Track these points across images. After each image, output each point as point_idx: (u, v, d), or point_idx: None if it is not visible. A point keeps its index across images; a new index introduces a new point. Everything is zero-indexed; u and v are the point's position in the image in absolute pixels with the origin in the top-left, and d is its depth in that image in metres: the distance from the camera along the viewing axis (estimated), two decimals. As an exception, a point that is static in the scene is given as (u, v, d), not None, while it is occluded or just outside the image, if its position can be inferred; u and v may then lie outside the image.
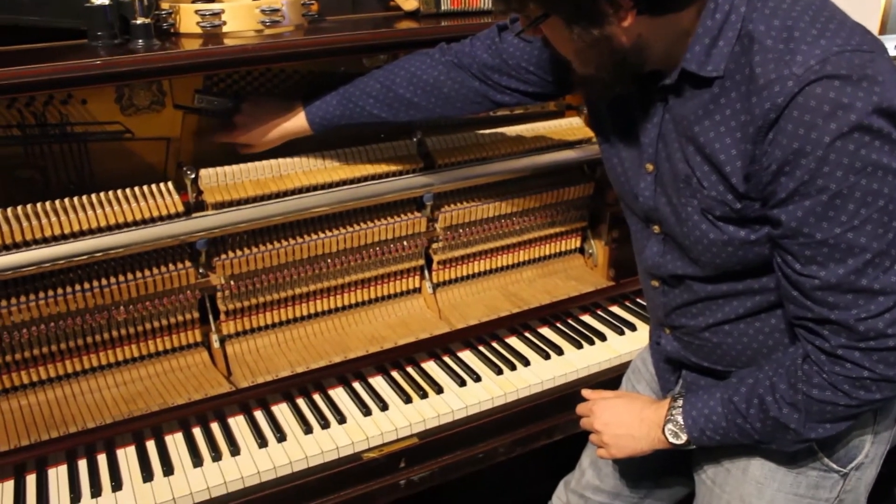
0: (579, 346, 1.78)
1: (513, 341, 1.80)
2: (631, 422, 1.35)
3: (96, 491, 1.37)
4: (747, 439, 1.22)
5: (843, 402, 1.11)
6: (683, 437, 1.27)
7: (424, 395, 1.61)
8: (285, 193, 1.64)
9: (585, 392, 1.47)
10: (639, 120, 1.21)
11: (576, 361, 1.73)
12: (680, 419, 1.27)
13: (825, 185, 0.99)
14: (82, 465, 1.43)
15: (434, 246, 1.87)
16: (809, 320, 1.10)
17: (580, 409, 1.45)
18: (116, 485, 1.38)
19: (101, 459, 1.44)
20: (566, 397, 1.66)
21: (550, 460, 1.85)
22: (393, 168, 1.74)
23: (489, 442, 1.60)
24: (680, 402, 1.28)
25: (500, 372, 1.69)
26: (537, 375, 1.68)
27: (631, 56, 1.08)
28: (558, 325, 1.86)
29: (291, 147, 1.69)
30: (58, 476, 1.41)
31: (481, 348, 1.77)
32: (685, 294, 1.29)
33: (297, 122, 1.62)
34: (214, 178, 1.61)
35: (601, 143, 1.35)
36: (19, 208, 1.47)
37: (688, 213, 1.16)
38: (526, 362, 1.72)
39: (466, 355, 1.74)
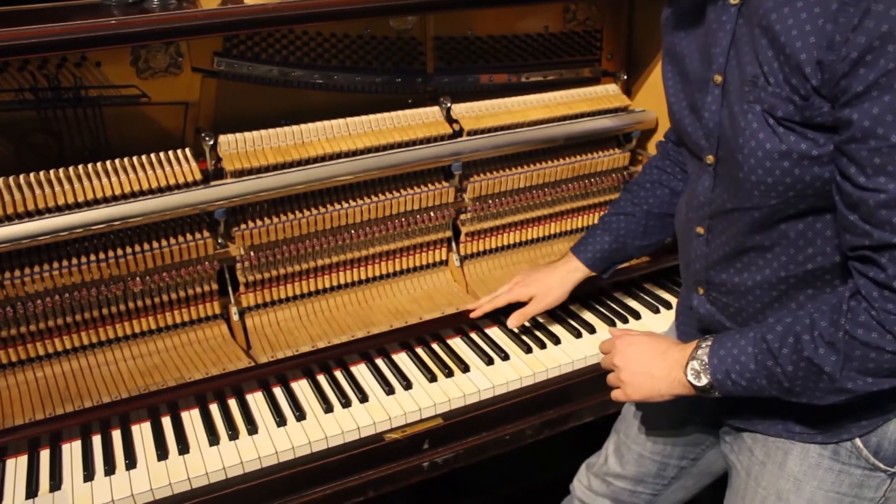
0: (612, 324, 1.71)
1: (543, 318, 1.72)
2: (653, 359, 1.25)
3: (110, 469, 1.33)
4: (776, 388, 1.11)
5: (890, 347, 1.00)
6: (705, 379, 1.16)
7: (450, 374, 1.54)
8: (307, 161, 1.58)
9: (612, 329, 1.39)
10: (711, 29, 1.12)
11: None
12: (705, 357, 1.16)
13: None
14: (96, 440, 1.39)
15: (462, 217, 1.79)
16: (867, 248, 0.99)
17: (603, 345, 1.37)
18: (131, 462, 1.33)
19: (116, 435, 1.40)
20: (598, 377, 1.58)
21: (575, 440, 1.79)
22: (420, 135, 1.67)
23: (517, 423, 1.54)
24: (709, 341, 1.17)
25: (529, 350, 1.62)
26: (568, 354, 1.61)
27: None
28: (591, 302, 1.78)
29: (314, 113, 1.62)
30: (72, 452, 1.37)
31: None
32: (731, 242, 1.19)
33: (577, 271, 1.61)
34: (234, 145, 1.54)
35: (665, 66, 1.26)
36: (32, 175, 1.43)
37: (747, 120, 1.06)
38: (556, 340, 1.64)
39: (494, 332, 1.67)
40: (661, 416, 1.46)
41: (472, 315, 1.65)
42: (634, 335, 1.32)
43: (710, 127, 1.15)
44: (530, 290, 1.62)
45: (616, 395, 1.31)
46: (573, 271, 1.62)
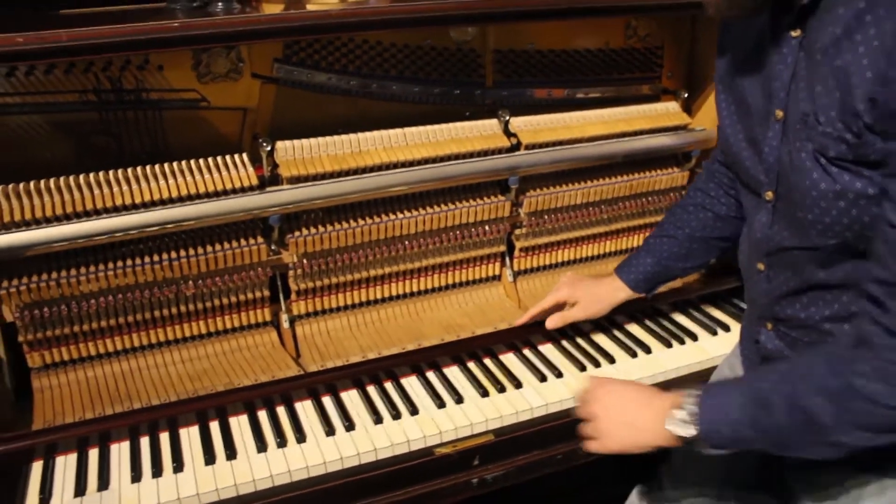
0: (668, 345, 1.66)
1: (598, 337, 1.68)
2: (636, 409, 1.19)
3: (157, 471, 1.31)
4: (766, 441, 1.06)
5: (892, 402, 0.95)
6: (693, 430, 1.10)
7: (502, 389, 1.51)
8: (364, 170, 1.56)
9: (590, 377, 1.33)
10: (771, 61, 1.09)
11: (664, 361, 1.61)
12: (695, 407, 1.11)
13: None
14: (144, 442, 1.38)
15: (517, 232, 1.77)
16: (885, 284, 0.95)
17: (581, 394, 1.29)
18: (178, 466, 1.32)
19: (164, 438, 1.39)
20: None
21: (624, 461, 1.73)
22: (477, 148, 1.65)
23: (569, 443, 1.49)
24: (698, 391, 1.12)
25: (583, 368, 1.58)
26: (623, 374, 1.57)
27: None
28: (647, 321, 1.73)
29: (371, 122, 1.61)
30: (120, 452, 1.36)
31: (564, 342, 1.66)
32: (794, 279, 1.15)
33: (621, 290, 1.60)
34: (291, 152, 1.54)
35: (720, 95, 1.23)
36: (92, 175, 1.43)
37: (801, 158, 1.03)
38: (611, 360, 1.60)
39: (547, 349, 1.63)
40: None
41: (520, 322, 1.63)
42: (615, 383, 1.27)
43: (770, 162, 1.11)
44: (576, 294, 1.60)
45: (591, 446, 1.23)
46: (617, 290, 1.60)
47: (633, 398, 1.21)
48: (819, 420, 1.00)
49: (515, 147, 1.70)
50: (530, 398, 1.49)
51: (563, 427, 1.49)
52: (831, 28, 0.98)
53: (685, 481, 1.46)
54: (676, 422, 1.12)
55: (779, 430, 1.04)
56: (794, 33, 1.05)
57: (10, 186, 1.38)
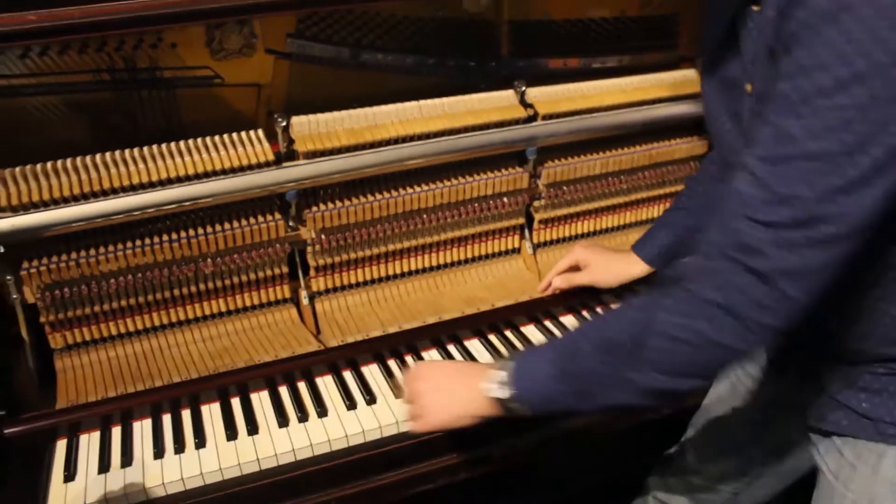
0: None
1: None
2: (456, 379, 1.17)
3: (180, 447, 1.31)
4: (573, 394, 1.03)
5: (682, 335, 0.93)
6: (508, 391, 1.08)
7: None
8: (380, 143, 1.55)
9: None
10: (741, 37, 1.06)
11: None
12: (511, 368, 1.09)
13: None
14: (167, 420, 1.38)
15: (536, 204, 1.75)
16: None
17: (404, 377, 1.26)
18: (200, 442, 1.32)
19: (186, 415, 1.39)
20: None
21: (651, 434, 1.72)
22: (494, 119, 1.63)
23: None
24: (519, 355, 1.11)
25: (604, 339, 1.56)
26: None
27: None
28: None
29: (386, 96, 1.59)
30: (142, 430, 1.36)
31: (585, 313, 1.65)
32: None
33: (637, 264, 1.59)
34: (306, 127, 1.52)
35: (705, 78, 1.20)
36: (107, 155, 1.43)
37: None
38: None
39: (569, 320, 1.62)
40: (744, 411, 1.39)
41: (541, 286, 1.63)
42: (436, 361, 1.26)
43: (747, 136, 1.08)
44: (588, 259, 1.59)
45: (415, 426, 1.20)
46: (632, 264, 1.59)
47: (452, 371, 1.20)
48: (617, 354, 0.98)
49: (532, 118, 1.68)
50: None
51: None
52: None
53: (708, 450, 1.45)
54: (493, 385, 1.10)
55: (582, 376, 1.02)
56: (754, 7, 1.02)
57: (28, 167, 1.38)
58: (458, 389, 1.15)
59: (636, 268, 1.59)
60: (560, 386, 1.04)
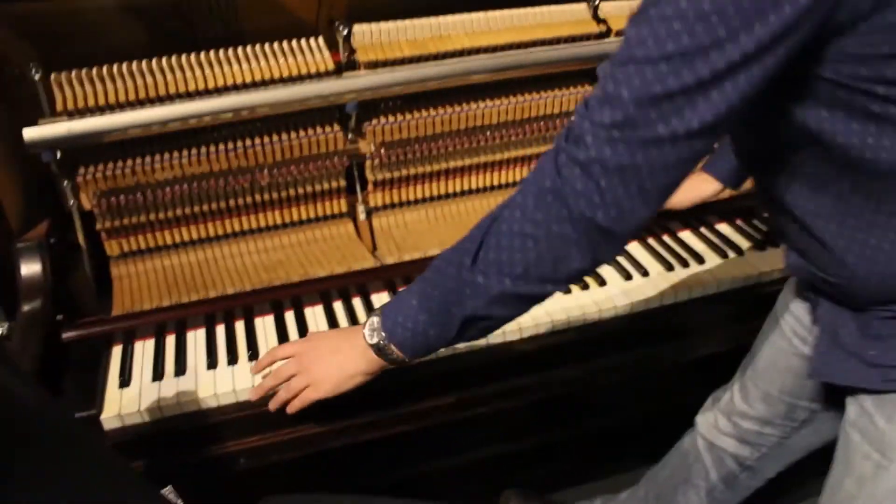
0: (762, 248, 1.57)
1: (685, 235, 1.60)
2: (334, 343, 1.16)
3: (232, 359, 1.31)
4: (436, 319, 1.02)
5: (527, 230, 0.92)
6: (378, 337, 1.07)
7: (586, 287, 1.45)
8: (445, 55, 1.48)
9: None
10: None
11: (757, 262, 1.52)
12: (382, 309, 1.08)
13: None
14: (220, 331, 1.37)
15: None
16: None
17: (284, 353, 1.22)
18: (253, 354, 1.31)
19: (239, 327, 1.38)
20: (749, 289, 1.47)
21: (704, 369, 1.67)
22: (565, 34, 1.55)
23: (651, 348, 1.44)
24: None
25: (670, 268, 1.50)
26: (713, 274, 1.49)
27: None
28: (738, 222, 1.64)
29: (452, 5, 1.52)
30: (196, 340, 1.36)
31: (650, 241, 1.59)
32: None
33: (708, 182, 1.56)
34: (368, 36, 1.46)
35: None
36: (164, 60, 1.39)
37: None
38: (700, 260, 1.52)
39: (633, 247, 1.56)
40: (790, 355, 1.33)
41: None
42: (311, 334, 1.24)
43: None
44: None
45: (306, 395, 1.16)
46: (704, 182, 1.56)
47: (332, 335, 1.19)
48: (464, 263, 0.97)
49: (605, 34, 1.60)
50: (614, 296, 1.42)
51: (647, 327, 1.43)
52: None
53: (755, 393, 1.39)
54: (367, 332, 1.09)
55: (437, 295, 1.01)
56: None
57: (84, 72, 1.35)
58: (342, 349, 1.14)
59: (708, 186, 1.55)
60: (422, 315, 1.03)
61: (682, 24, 0.78)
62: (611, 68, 0.84)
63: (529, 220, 0.92)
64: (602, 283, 1.46)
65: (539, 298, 0.99)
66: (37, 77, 1.31)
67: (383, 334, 1.07)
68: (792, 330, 1.30)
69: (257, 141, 1.44)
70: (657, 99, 0.81)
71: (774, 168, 1.00)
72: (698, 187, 1.56)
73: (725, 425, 1.44)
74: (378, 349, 1.09)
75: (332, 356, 1.15)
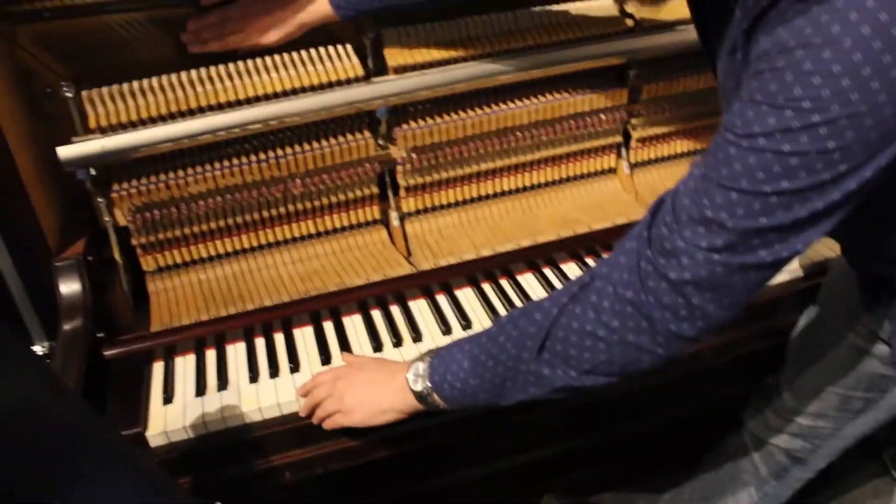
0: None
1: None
2: (374, 375, 1.17)
3: (274, 371, 1.30)
4: (488, 389, 1.03)
5: (599, 332, 0.91)
6: (425, 384, 1.08)
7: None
8: (473, 57, 1.47)
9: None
10: None
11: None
12: (429, 359, 1.09)
13: None
14: (260, 343, 1.37)
15: (634, 121, 1.65)
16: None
17: (317, 378, 1.24)
18: (294, 366, 1.30)
19: (279, 339, 1.37)
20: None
21: (748, 364, 1.65)
22: (593, 31, 1.53)
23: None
24: (441, 349, 1.11)
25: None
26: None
27: None
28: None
29: (479, 6, 1.51)
30: (236, 353, 1.35)
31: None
32: None
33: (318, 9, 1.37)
34: (396, 40, 1.45)
35: None
36: (193, 73, 1.38)
37: None
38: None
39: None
40: (840, 344, 1.31)
41: None
42: (351, 359, 1.27)
43: None
44: None
45: (335, 420, 1.18)
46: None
47: (374, 367, 1.20)
48: (527, 344, 0.96)
49: (633, 29, 1.58)
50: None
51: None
52: None
53: (806, 387, 1.37)
54: (412, 376, 1.09)
55: (494, 369, 1.01)
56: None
57: (115, 88, 1.35)
58: (379, 382, 1.15)
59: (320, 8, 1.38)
60: (474, 380, 1.03)
61: (800, 161, 0.76)
62: (705, 185, 0.83)
63: (603, 325, 0.91)
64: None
65: (604, 386, 0.98)
66: (69, 95, 1.31)
67: (428, 385, 1.08)
68: (839, 317, 1.28)
69: (289, 150, 1.44)
70: (764, 230, 0.80)
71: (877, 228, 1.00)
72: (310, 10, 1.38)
73: (776, 421, 1.43)
74: (420, 397, 1.10)
75: (366, 387, 1.16)
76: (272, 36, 1.39)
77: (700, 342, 0.91)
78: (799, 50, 0.74)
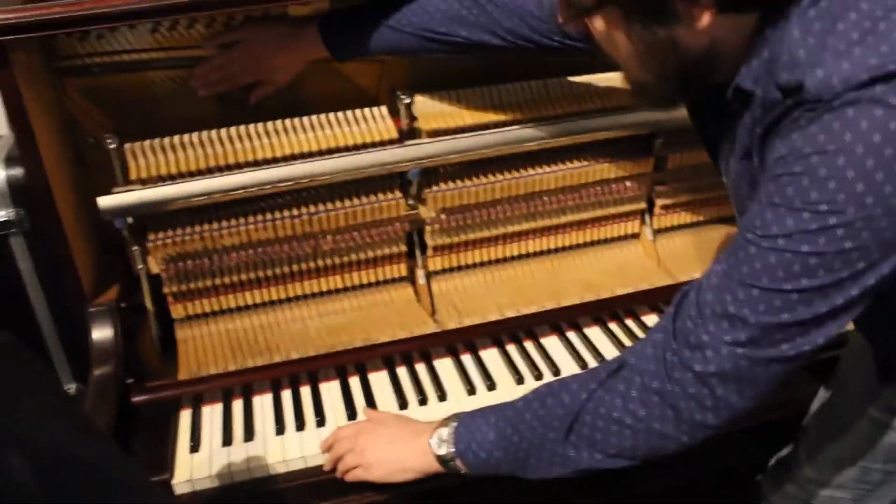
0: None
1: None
2: (398, 434, 1.18)
3: (300, 424, 1.32)
4: (512, 461, 1.05)
5: (626, 420, 0.95)
6: (450, 449, 1.09)
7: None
8: (504, 123, 1.51)
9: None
10: None
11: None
12: (455, 424, 1.10)
13: None
14: (286, 395, 1.39)
15: (658, 189, 1.69)
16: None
17: (338, 432, 1.26)
18: (321, 420, 1.32)
19: (305, 392, 1.39)
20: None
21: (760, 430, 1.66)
22: (623, 102, 1.57)
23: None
24: (465, 414, 1.13)
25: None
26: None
27: (699, 64, 0.89)
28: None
29: (512, 73, 1.55)
30: (263, 405, 1.37)
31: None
32: None
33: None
34: (430, 105, 1.50)
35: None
36: (231, 129, 1.43)
37: None
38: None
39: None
40: (858, 415, 1.31)
41: None
42: (376, 413, 1.30)
43: None
44: None
45: (356, 474, 1.19)
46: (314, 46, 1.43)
47: (398, 425, 1.21)
48: (553, 425, 0.99)
49: (660, 101, 1.62)
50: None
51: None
52: None
53: (825, 459, 1.38)
54: (436, 440, 1.11)
55: (519, 445, 1.03)
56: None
57: (156, 141, 1.39)
58: (401, 440, 1.17)
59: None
60: (498, 452, 1.06)
61: (819, 260, 0.80)
62: (727, 281, 0.86)
63: (629, 413, 0.94)
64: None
65: (628, 468, 1.01)
66: (112, 146, 1.35)
67: (452, 450, 1.10)
68: (856, 388, 1.29)
69: (321, 207, 1.47)
70: (785, 326, 0.83)
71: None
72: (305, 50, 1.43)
73: (794, 490, 1.43)
74: (443, 461, 1.12)
75: (387, 444, 1.18)
76: (280, 79, 1.47)
77: (723, 430, 0.94)
78: (814, 156, 0.79)
